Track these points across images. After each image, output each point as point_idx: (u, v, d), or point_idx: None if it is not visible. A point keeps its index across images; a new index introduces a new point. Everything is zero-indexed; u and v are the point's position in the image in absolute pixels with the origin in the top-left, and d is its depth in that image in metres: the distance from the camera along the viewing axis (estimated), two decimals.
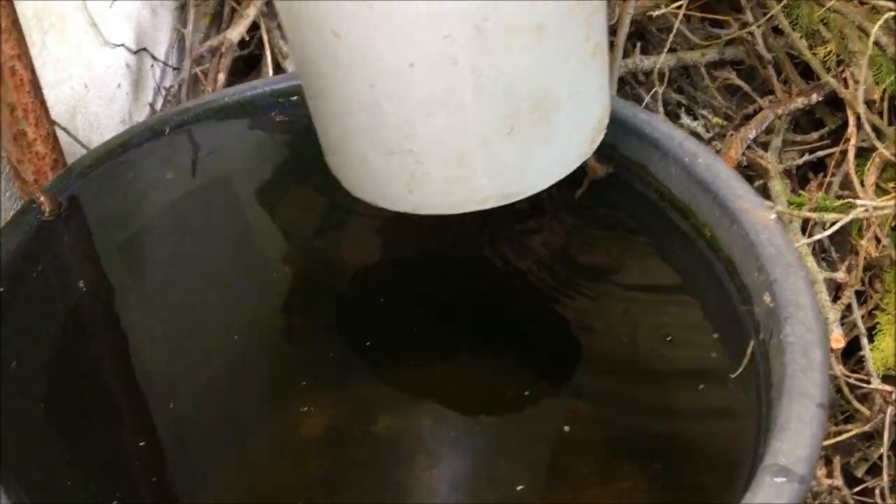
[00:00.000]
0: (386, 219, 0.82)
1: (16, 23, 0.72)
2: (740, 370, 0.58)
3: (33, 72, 0.74)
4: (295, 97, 0.84)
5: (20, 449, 0.55)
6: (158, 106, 1.19)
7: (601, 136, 0.61)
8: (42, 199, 0.72)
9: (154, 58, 1.14)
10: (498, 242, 0.77)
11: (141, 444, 0.61)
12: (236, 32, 1.06)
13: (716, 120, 1.12)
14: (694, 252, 0.68)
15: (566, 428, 0.66)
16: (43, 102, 0.76)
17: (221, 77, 1.07)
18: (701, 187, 0.66)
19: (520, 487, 0.61)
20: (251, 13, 1.06)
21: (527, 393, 0.69)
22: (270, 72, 1.11)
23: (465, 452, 0.66)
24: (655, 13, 1.04)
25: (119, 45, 1.05)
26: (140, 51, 1.11)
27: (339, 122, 0.55)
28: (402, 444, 0.67)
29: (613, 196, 0.74)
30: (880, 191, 0.94)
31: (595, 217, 0.76)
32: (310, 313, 0.78)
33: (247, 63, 1.21)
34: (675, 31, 1.02)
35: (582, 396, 0.68)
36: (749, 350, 0.59)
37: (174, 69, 1.20)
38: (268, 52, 1.09)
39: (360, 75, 0.51)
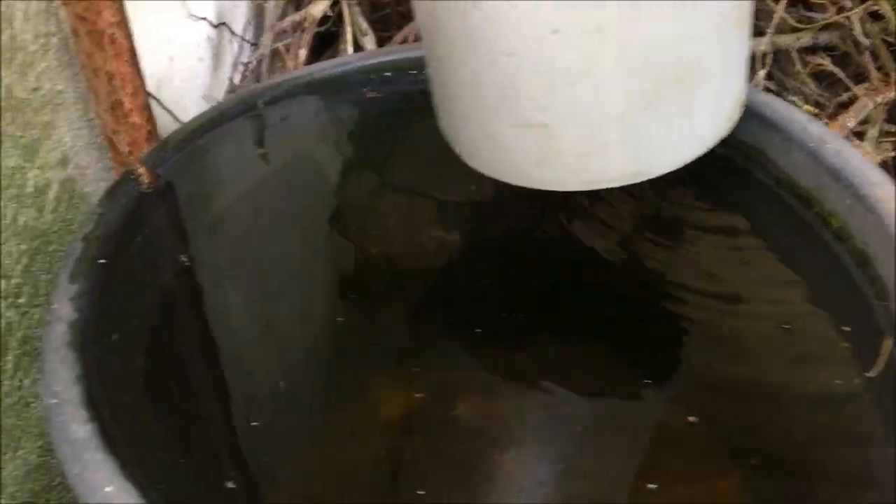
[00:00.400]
0: (476, 198, 0.80)
1: None
2: (877, 370, 0.55)
3: (131, 40, 0.73)
4: (388, 73, 0.81)
5: (128, 423, 0.54)
6: (236, 81, 1.18)
7: (739, 114, 0.57)
8: (141, 170, 0.71)
9: (233, 32, 1.13)
10: (600, 224, 0.74)
11: (254, 423, 0.60)
12: (319, 8, 1.04)
13: (806, 108, 1.08)
14: (818, 243, 0.64)
15: (661, 419, 0.63)
16: (139, 72, 0.75)
17: (303, 53, 1.05)
18: (829, 174, 0.62)
19: (607, 481, 0.58)
20: None
21: (619, 381, 0.66)
22: (350, 49, 1.10)
23: (550, 441, 0.63)
24: None
25: (202, 19, 1.04)
26: (220, 25, 1.10)
27: (467, 93, 0.53)
28: (485, 431, 0.65)
29: (725, 180, 0.71)
30: None
31: (706, 202, 0.73)
32: (394, 293, 0.77)
33: (323, 41, 1.20)
34: (777, 15, 0.98)
35: (681, 386, 0.65)
36: (887, 348, 0.55)
37: (252, 45, 1.19)
38: (348, 29, 1.07)
39: (498, 44, 0.48)
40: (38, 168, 0.73)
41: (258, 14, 1.24)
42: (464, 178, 0.75)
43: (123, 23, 0.71)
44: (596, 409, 0.65)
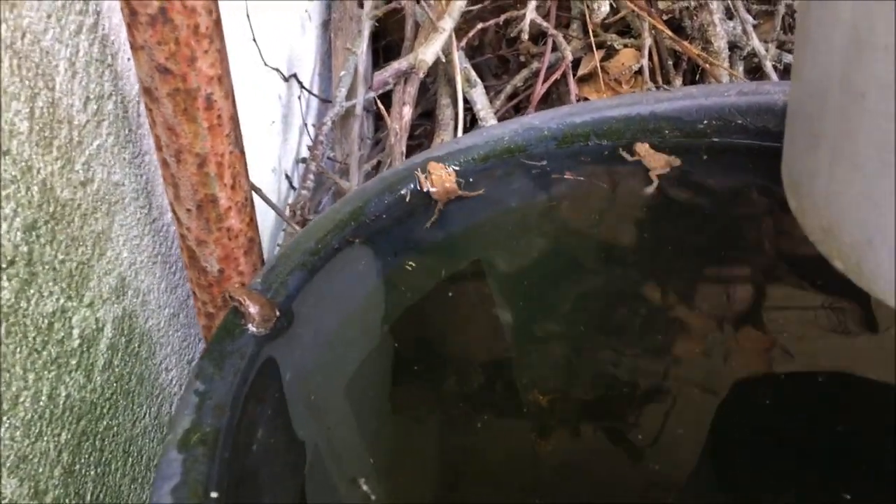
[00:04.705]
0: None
1: (218, 24, 0.44)
2: None
3: (234, 104, 0.47)
4: (590, 142, 0.57)
5: None
6: (303, 150, 0.92)
7: None
8: (250, 306, 0.45)
9: (303, 87, 0.88)
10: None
11: None
12: (431, 52, 0.79)
13: None
14: None
15: None
16: (243, 152, 0.49)
17: (407, 111, 0.80)
18: None
19: None
20: (448, 26, 0.80)
21: None
22: (460, 103, 0.85)
23: None
24: None
25: (274, 69, 0.79)
26: (291, 77, 0.85)
27: None
28: None
29: None
30: None
31: None
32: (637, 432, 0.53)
33: (384, 98, 0.92)
34: None
35: None
36: None
37: (323, 101, 0.94)
38: (458, 79, 0.83)
39: None
40: (86, 306, 0.46)
41: (323, 62, 0.99)
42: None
43: (226, 77, 0.45)
44: None
